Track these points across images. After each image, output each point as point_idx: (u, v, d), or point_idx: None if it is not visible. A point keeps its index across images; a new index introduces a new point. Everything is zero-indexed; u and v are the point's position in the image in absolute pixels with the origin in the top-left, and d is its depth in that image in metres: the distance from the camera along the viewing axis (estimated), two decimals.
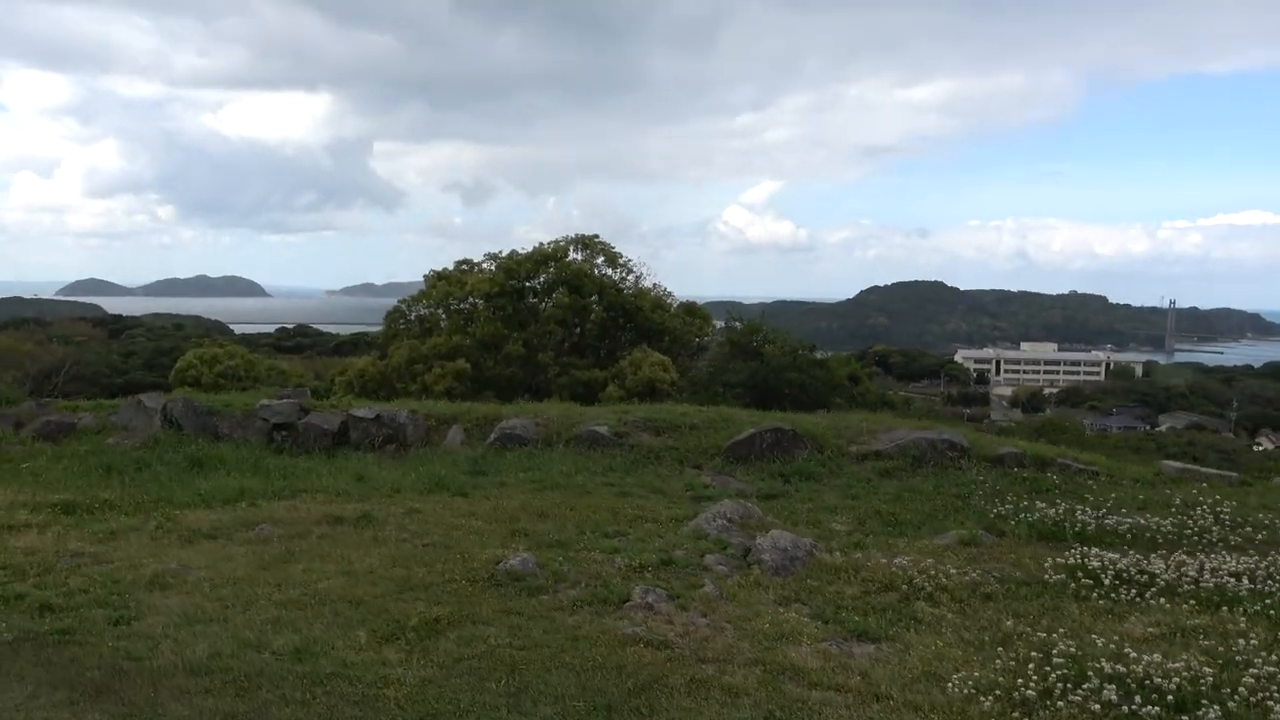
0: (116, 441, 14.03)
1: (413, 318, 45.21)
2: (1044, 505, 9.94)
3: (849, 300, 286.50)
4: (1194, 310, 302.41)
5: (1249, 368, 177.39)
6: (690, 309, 48.19)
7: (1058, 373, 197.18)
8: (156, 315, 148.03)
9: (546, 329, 42.38)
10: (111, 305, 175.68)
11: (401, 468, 12.01)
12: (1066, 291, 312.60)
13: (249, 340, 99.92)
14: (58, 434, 14.09)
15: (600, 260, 43.85)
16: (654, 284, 45.85)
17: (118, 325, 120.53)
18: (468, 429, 14.12)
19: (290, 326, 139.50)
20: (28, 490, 10.82)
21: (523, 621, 6.12)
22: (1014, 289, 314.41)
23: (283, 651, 5.47)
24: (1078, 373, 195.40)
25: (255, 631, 5.80)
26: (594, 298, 42.55)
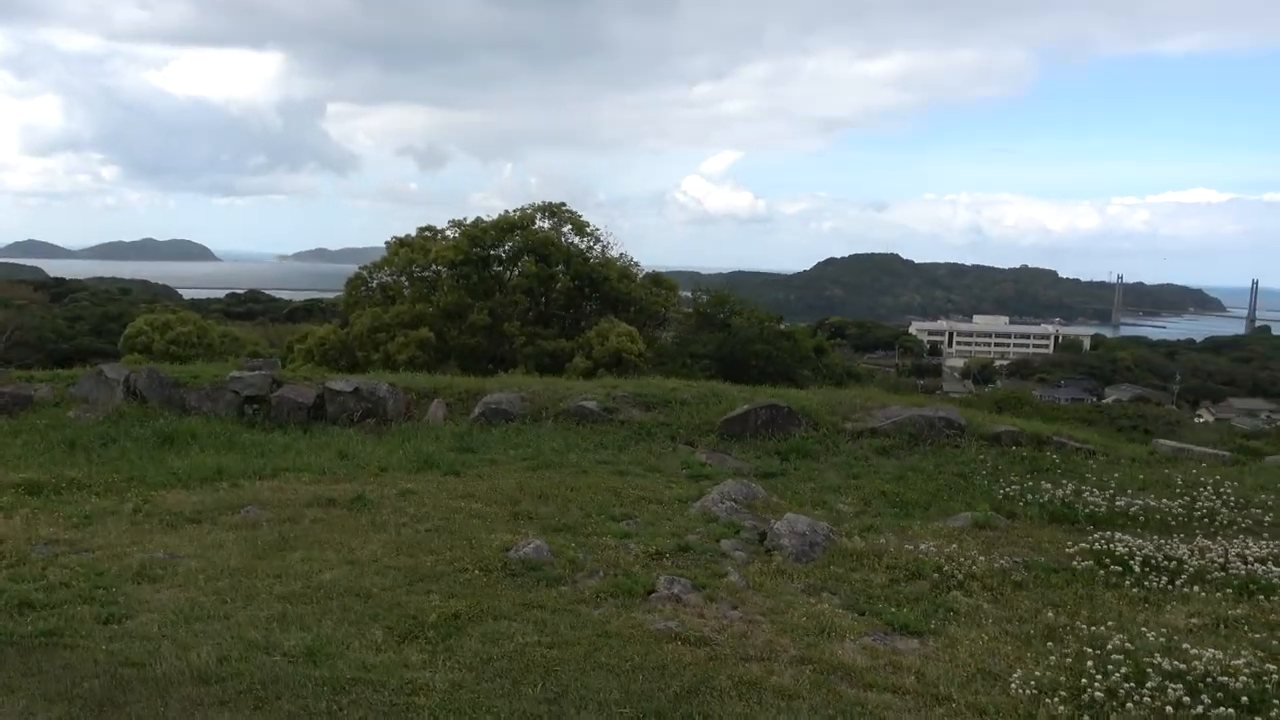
0: (78, 415, 13.31)
1: (374, 285, 44.19)
2: (1049, 485, 9.82)
3: (806, 272, 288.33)
4: (1140, 285, 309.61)
5: (1191, 342, 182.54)
6: (656, 279, 47.75)
7: (1008, 345, 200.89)
8: (100, 279, 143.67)
9: (512, 298, 41.68)
10: (53, 268, 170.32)
11: (385, 444, 11.52)
12: (1018, 266, 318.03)
13: (198, 305, 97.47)
14: (13, 407, 13.32)
15: (568, 229, 43.22)
16: (620, 254, 45.32)
17: (60, 289, 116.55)
18: (450, 403, 13.64)
19: (241, 292, 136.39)
20: None
21: (546, 616, 5.77)
22: (968, 262, 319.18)
23: (295, 653, 5.05)
24: (1027, 345, 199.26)
25: (261, 630, 5.37)
26: (560, 267, 41.96)
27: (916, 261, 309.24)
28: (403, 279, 42.38)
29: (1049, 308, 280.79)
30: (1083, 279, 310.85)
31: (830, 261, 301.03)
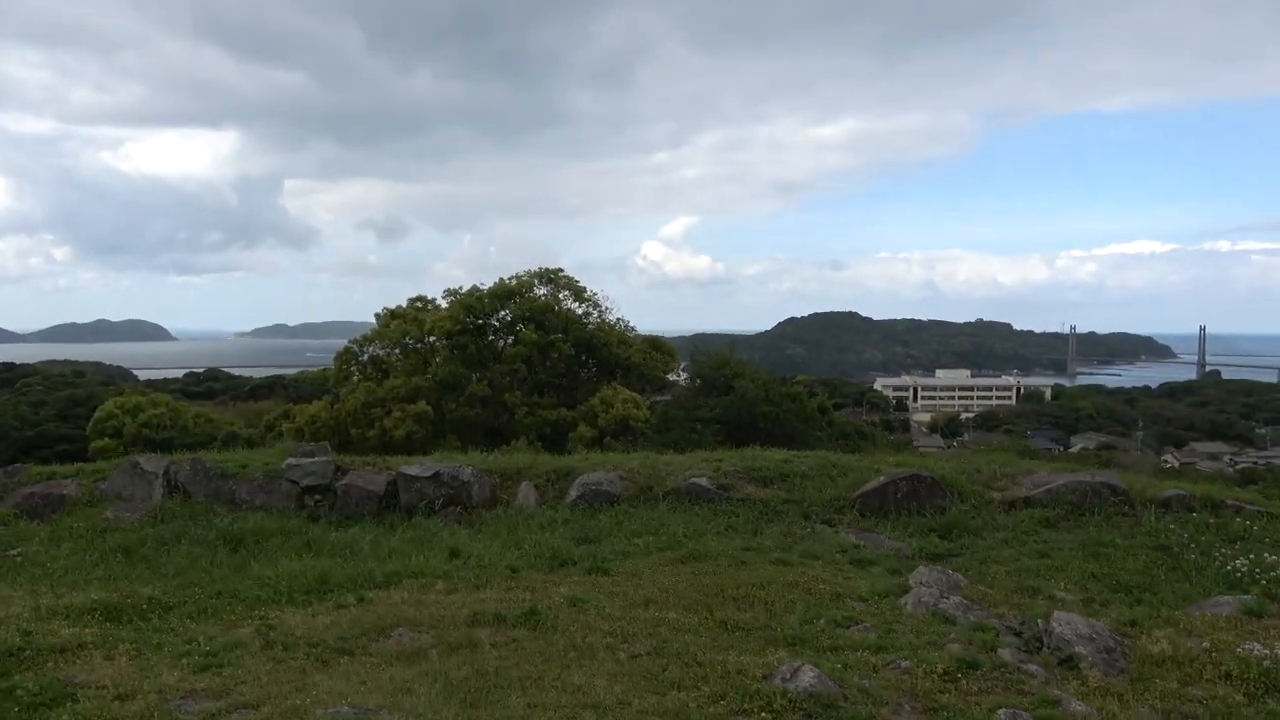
0: (116, 515, 11.71)
1: (365, 359, 42.61)
2: (1273, 557, 8.73)
3: (768, 332, 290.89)
4: (1092, 335, 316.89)
5: (1147, 388, 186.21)
6: (655, 343, 46.80)
7: (971, 398, 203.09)
8: (53, 362, 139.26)
9: (511, 367, 40.33)
10: (4, 353, 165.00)
11: (493, 538, 10.08)
12: (974, 319, 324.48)
13: (154, 386, 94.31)
14: (44, 509, 11.68)
15: (565, 294, 42.21)
16: (618, 318, 44.40)
17: (9, 374, 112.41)
18: (537, 485, 12.27)
19: (200, 371, 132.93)
20: (41, 588, 8.56)
21: None
22: (924, 318, 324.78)
23: None
24: (990, 397, 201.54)
25: None
26: (559, 334, 40.80)
27: (875, 318, 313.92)
28: (396, 351, 40.88)
29: (1005, 360, 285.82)
30: (1036, 330, 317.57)
31: (791, 321, 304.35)
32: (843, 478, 11.75)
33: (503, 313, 42.85)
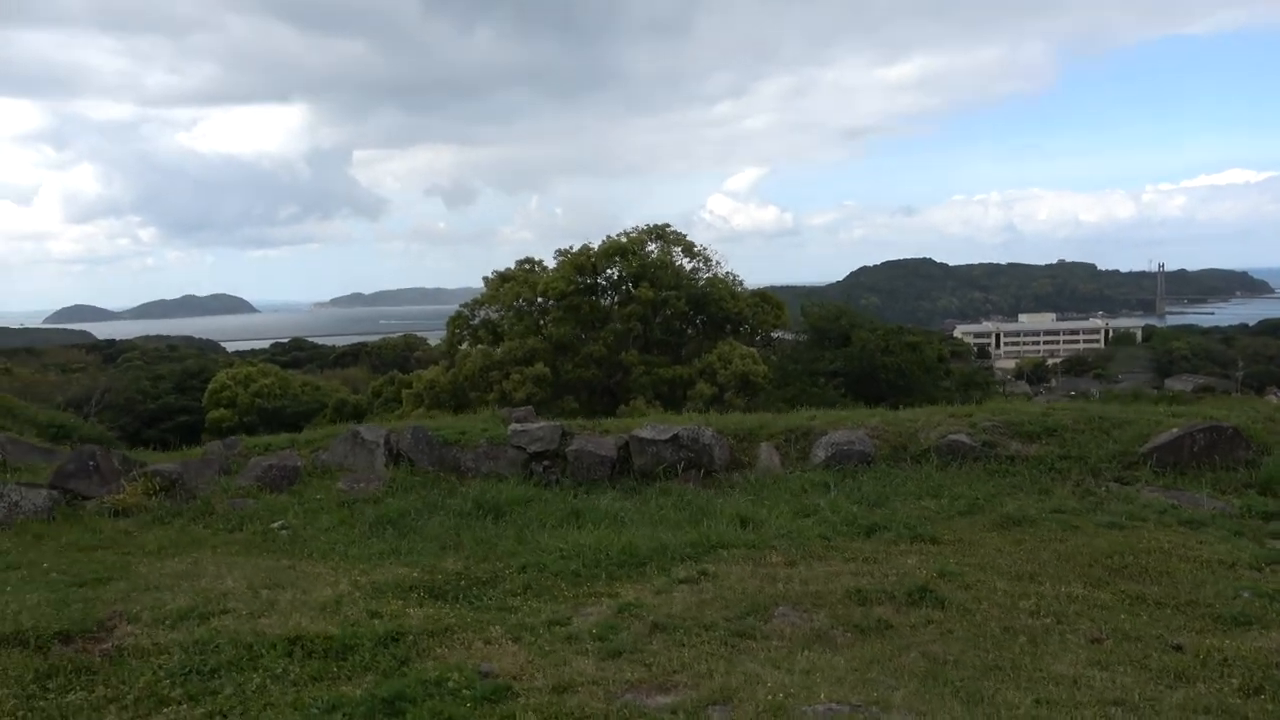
0: (350, 486, 11.45)
1: (476, 323, 42.63)
2: None
3: (839, 282, 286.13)
4: (1182, 272, 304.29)
5: (1244, 326, 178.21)
6: (764, 296, 45.83)
7: (1057, 343, 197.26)
8: (147, 337, 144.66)
9: (627, 326, 39.89)
10: (100, 330, 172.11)
11: (775, 504, 9.49)
12: (1055, 261, 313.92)
13: (242, 357, 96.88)
14: (281, 481, 11.48)
15: (678, 250, 41.46)
16: (727, 272, 43.53)
17: (111, 350, 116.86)
18: (777, 445, 11.65)
19: (285, 341, 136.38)
20: (334, 564, 8.26)
21: None
22: (1003, 261, 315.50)
23: None
24: (1077, 341, 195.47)
25: None
26: (672, 291, 40.12)
27: (951, 264, 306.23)
28: (510, 314, 40.75)
29: (1090, 301, 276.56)
30: (1122, 270, 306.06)
31: (863, 270, 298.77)
32: (1117, 431, 10.85)
33: (609, 271, 42.37)
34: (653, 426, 11.93)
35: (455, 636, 6.06)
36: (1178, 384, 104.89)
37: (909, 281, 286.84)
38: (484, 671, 5.35)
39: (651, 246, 40.80)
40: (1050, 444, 10.79)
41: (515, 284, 41.22)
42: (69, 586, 7.55)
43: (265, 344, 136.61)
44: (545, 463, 11.97)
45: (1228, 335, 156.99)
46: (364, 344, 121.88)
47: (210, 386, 54.97)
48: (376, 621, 6.34)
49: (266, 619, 6.45)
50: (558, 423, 12.45)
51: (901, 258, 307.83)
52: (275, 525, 9.98)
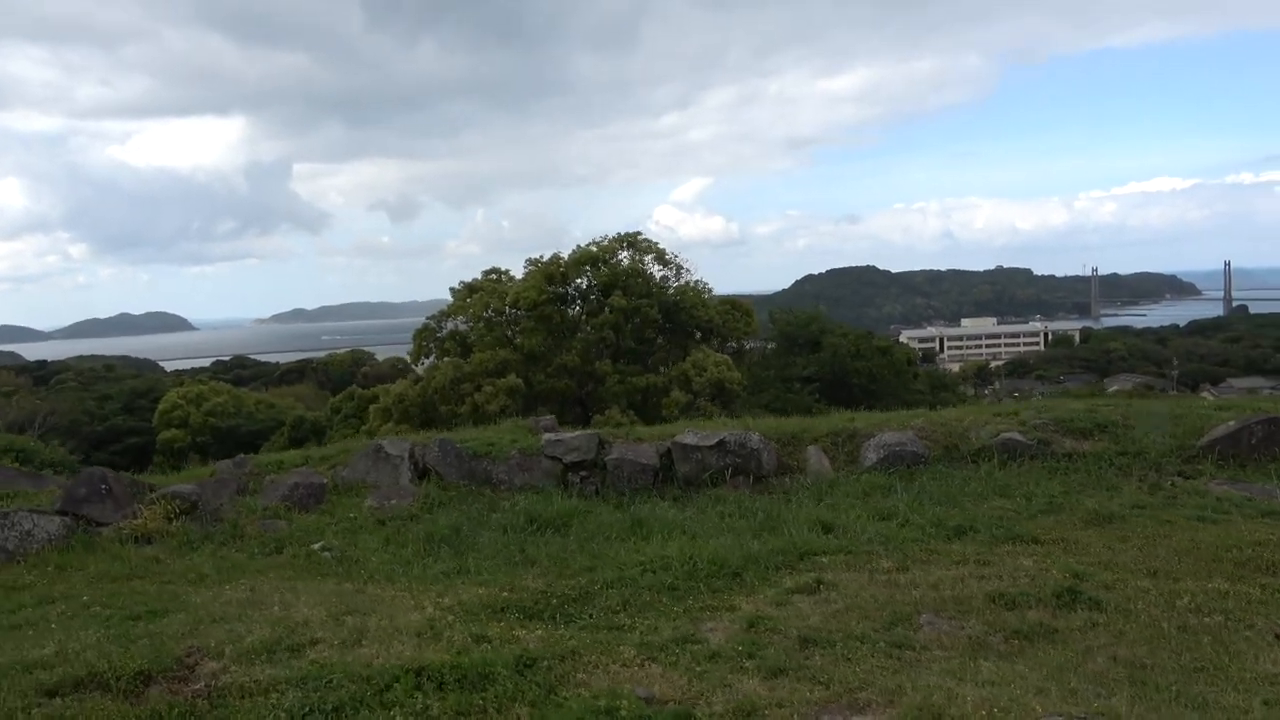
0: (380, 503, 10.87)
1: (443, 335, 41.79)
2: None
3: (786, 290, 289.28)
4: (1115, 276, 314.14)
5: (1175, 327, 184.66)
6: (733, 304, 45.82)
7: (999, 346, 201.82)
8: (81, 358, 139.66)
9: (600, 335, 39.47)
10: (30, 351, 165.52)
11: (846, 509, 9.18)
12: (993, 267, 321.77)
13: (183, 376, 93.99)
14: (309, 500, 10.83)
15: (649, 258, 41.19)
16: (696, 280, 43.42)
17: (43, 371, 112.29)
18: (824, 448, 11.37)
19: (226, 359, 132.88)
20: (400, 586, 7.73)
21: None
22: (943, 268, 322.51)
23: None
24: (1018, 344, 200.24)
25: None
26: (644, 299, 39.84)
27: (893, 271, 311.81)
28: (480, 324, 40.02)
29: (1028, 306, 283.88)
30: (1058, 274, 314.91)
31: (808, 278, 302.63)
32: (1173, 425, 10.80)
33: (579, 281, 41.95)
34: (694, 432, 11.56)
35: (584, 659, 5.61)
36: (1117, 383, 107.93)
37: (854, 289, 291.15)
38: (645, 696, 4.92)
39: (623, 255, 40.48)
40: (1104, 440, 10.70)
41: (484, 294, 40.53)
42: (123, 621, 6.91)
43: (206, 362, 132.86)
44: (583, 473, 11.52)
45: (1161, 336, 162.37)
46: (309, 360, 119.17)
47: (160, 406, 53.11)
48: (488, 647, 5.86)
49: (366, 649, 5.93)
50: (593, 431, 12.01)
51: (845, 265, 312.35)
52: (316, 547, 9.38)
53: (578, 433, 11.89)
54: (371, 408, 40.59)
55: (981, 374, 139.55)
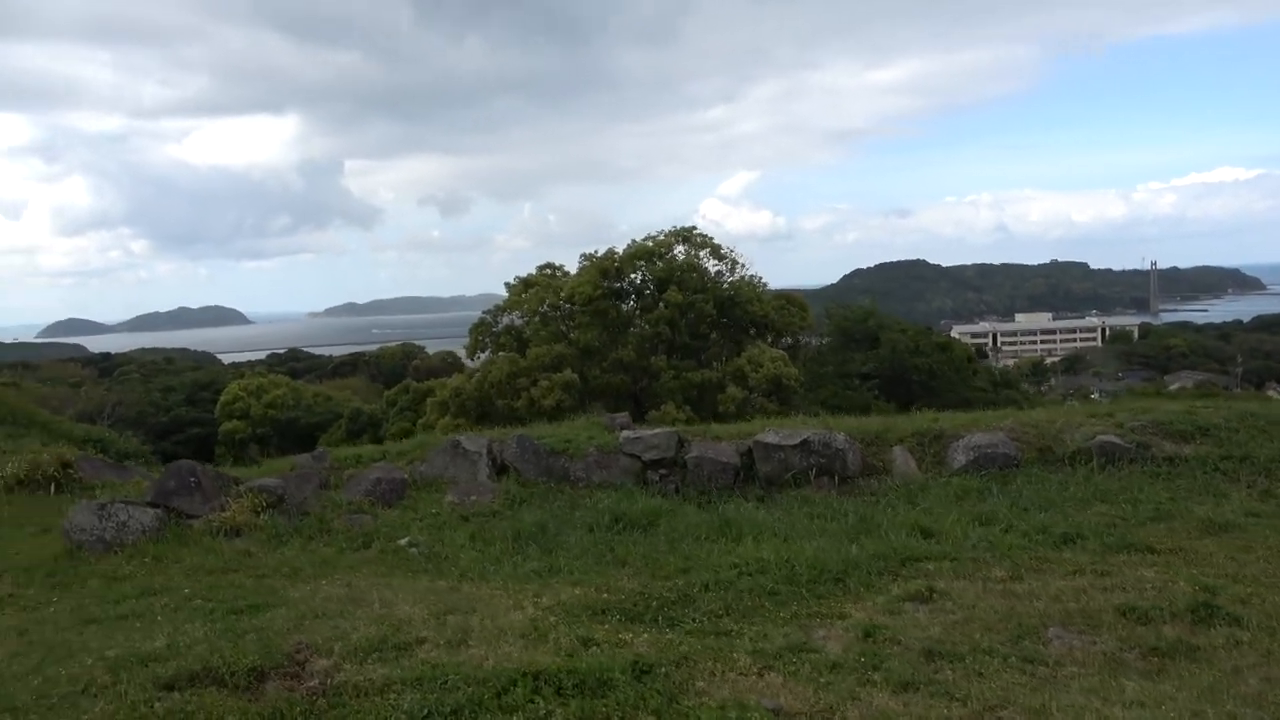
0: (460, 499, 10.86)
1: (499, 329, 42.02)
2: None
3: (834, 285, 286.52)
4: (1174, 270, 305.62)
5: (1239, 323, 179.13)
6: (788, 298, 45.41)
7: (1054, 341, 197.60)
8: (143, 350, 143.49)
9: (656, 330, 39.35)
10: (94, 344, 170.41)
11: (944, 513, 8.93)
12: (1048, 261, 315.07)
13: (239, 368, 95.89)
14: (391, 495, 10.88)
15: (704, 253, 40.96)
16: (751, 274, 43.08)
17: (106, 364, 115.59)
18: (910, 449, 11.11)
19: (281, 352, 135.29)
20: (494, 584, 7.67)
21: None
22: (996, 262, 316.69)
23: None
24: (1074, 340, 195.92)
25: None
26: (699, 294, 39.61)
27: (944, 265, 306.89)
28: (534, 320, 40.14)
29: (1084, 300, 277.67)
30: (1115, 268, 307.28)
31: (857, 273, 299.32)
32: (1274, 428, 10.36)
33: (633, 275, 41.85)
34: (775, 431, 11.37)
35: (700, 666, 5.49)
36: (1178, 381, 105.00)
37: (903, 283, 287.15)
38: (772, 708, 4.78)
39: (678, 249, 40.31)
40: (1206, 444, 10.29)
41: (539, 289, 40.65)
42: (226, 614, 6.95)
43: (261, 355, 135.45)
44: (662, 471, 11.40)
45: (1224, 332, 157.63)
46: (361, 353, 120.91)
47: (222, 398, 54.22)
48: (598, 650, 5.77)
49: (475, 649, 5.88)
50: (672, 429, 11.88)
51: (895, 259, 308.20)
52: (403, 542, 9.39)
53: (657, 430, 11.77)
54: (429, 401, 40.98)
55: (1037, 370, 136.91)
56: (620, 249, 41.22)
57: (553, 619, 6.53)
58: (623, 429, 12.42)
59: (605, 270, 40.09)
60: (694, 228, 41.25)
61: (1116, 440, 10.38)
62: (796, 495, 10.33)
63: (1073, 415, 11.33)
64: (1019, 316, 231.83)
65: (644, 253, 39.86)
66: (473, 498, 10.94)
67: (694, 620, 6.52)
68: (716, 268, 41.52)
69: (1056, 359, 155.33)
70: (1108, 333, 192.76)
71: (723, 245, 41.37)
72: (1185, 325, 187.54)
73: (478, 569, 8.34)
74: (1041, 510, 8.79)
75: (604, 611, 6.75)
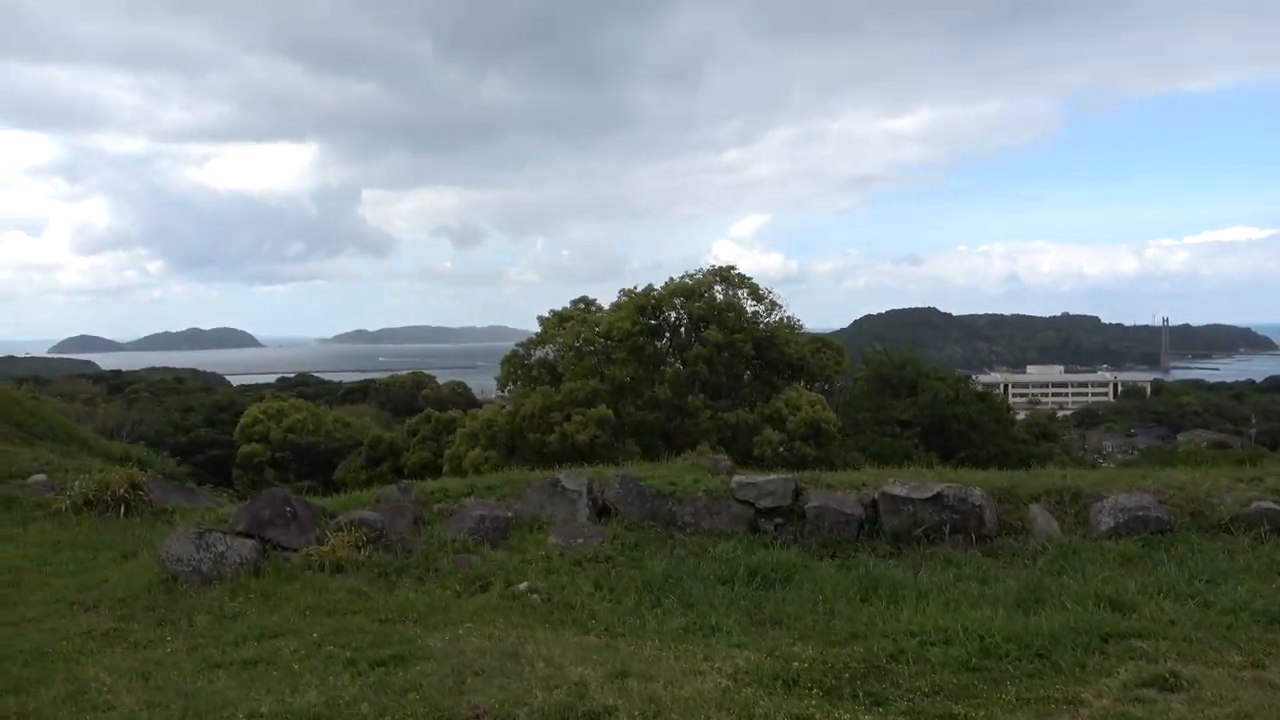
0: (565, 541, 10.18)
1: (532, 362, 41.46)
2: None
3: (844, 329, 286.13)
4: (1186, 327, 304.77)
5: (1251, 383, 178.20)
6: (824, 341, 44.91)
7: (1066, 395, 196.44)
8: (153, 369, 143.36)
9: (693, 369, 38.77)
10: (105, 361, 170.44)
11: (1111, 583, 8.24)
12: (1059, 313, 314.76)
13: (247, 391, 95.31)
14: (494, 534, 10.21)
15: (743, 293, 40.50)
16: (786, 316, 42.64)
17: (117, 381, 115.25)
18: (1048, 508, 10.43)
19: (291, 376, 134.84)
20: (653, 643, 6.99)
21: None
22: (1007, 312, 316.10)
23: None
24: (1086, 394, 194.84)
25: None
26: (739, 334, 39.10)
27: (955, 313, 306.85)
28: (569, 354, 39.57)
29: (1094, 354, 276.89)
30: (1126, 323, 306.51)
31: (867, 318, 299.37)
32: None
33: (669, 313, 41.39)
34: (902, 483, 10.70)
35: None
36: (1190, 438, 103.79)
37: (913, 330, 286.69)
38: None
39: (717, 288, 39.88)
40: None
41: (574, 323, 40.18)
42: (370, 666, 6.30)
43: (271, 378, 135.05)
44: (777, 520, 10.71)
45: (1237, 391, 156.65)
46: (371, 381, 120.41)
47: (242, 421, 53.65)
48: None
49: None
50: (788, 476, 11.22)
51: (906, 306, 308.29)
52: (522, 588, 8.70)
53: (771, 476, 11.11)
54: (459, 432, 40.37)
55: (1049, 423, 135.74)
56: (658, 286, 40.82)
57: (747, 690, 5.85)
58: (727, 473, 11.79)
59: (643, 307, 39.66)
60: (733, 267, 40.94)
61: (1276, 507, 9.69)
62: (933, 554, 9.64)
63: (1218, 479, 10.65)
64: (1030, 368, 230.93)
65: (683, 290, 39.47)
66: (579, 540, 10.26)
67: (904, 699, 5.84)
68: (754, 308, 41.09)
69: (1068, 413, 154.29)
70: (1120, 388, 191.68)
71: (761, 286, 40.96)
72: (1198, 383, 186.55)
73: (618, 622, 7.67)
74: (1220, 583, 8.10)
75: (795, 682, 6.07)
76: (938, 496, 10.23)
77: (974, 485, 10.37)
